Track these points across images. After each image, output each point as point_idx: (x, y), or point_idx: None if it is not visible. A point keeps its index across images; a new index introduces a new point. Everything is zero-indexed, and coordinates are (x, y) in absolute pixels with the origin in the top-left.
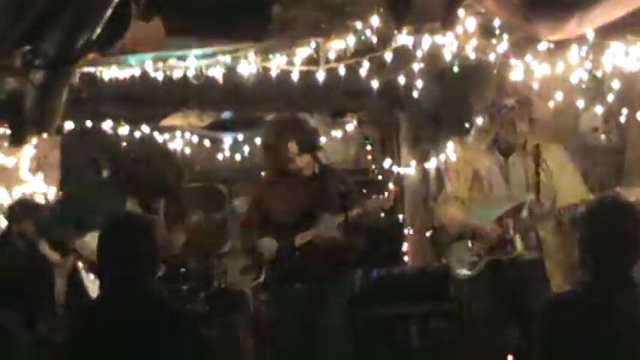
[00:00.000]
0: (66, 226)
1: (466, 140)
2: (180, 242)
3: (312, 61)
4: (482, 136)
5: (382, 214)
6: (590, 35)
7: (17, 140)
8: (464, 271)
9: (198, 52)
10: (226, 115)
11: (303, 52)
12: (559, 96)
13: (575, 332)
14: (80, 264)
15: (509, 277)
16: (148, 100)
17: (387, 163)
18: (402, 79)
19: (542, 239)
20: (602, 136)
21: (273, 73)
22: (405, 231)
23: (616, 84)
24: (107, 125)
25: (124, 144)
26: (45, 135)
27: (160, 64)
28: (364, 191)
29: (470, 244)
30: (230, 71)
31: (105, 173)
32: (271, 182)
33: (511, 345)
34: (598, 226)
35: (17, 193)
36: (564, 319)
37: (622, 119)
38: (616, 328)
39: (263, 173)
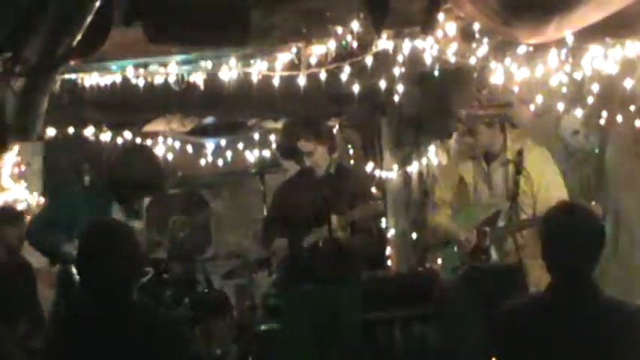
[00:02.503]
0: (54, 234)
1: (448, 144)
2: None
3: (293, 66)
4: (465, 143)
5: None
6: (570, 39)
7: None
8: (447, 276)
9: (180, 58)
10: (208, 120)
11: (284, 58)
12: (539, 99)
13: (527, 338)
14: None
15: (486, 283)
16: (130, 107)
17: (369, 167)
18: (383, 84)
19: (521, 246)
20: (583, 139)
21: (255, 78)
22: (388, 235)
23: (595, 87)
24: (89, 131)
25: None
26: (27, 142)
27: (141, 71)
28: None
29: (455, 250)
30: (211, 77)
31: (87, 179)
32: (289, 183)
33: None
34: (553, 232)
35: (0, 200)
36: (515, 326)
37: (602, 122)
38: (574, 333)
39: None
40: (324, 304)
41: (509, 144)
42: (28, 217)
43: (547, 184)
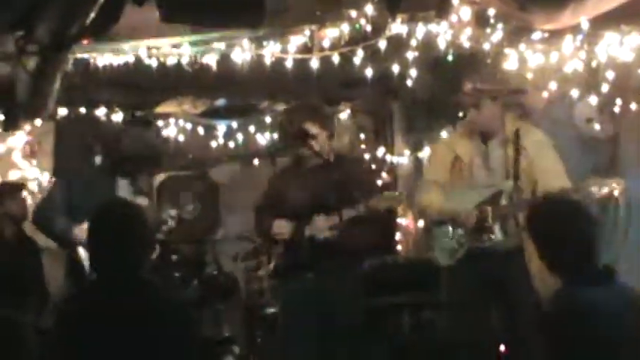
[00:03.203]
0: (61, 217)
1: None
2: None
3: (306, 49)
4: (463, 122)
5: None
6: (585, 25)
7: (11, 126)
8: (444, 259)
9: (193, 38)
10: (220, 102)
11: (297, 40)
12: (553, 86)
13: (570, 338)
14: (81, 252)
15: (488, 265)
16: (142, 87)
17: (381, 152)
18: (396, 68)
19: (522, 226)
20: (597, 127)
21: (267, 60)
22: (398, 220)
23: (610, 74)
24: (101, 112)
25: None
26: (38, 121)
27: (154, 51)
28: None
29: (450, 231)
30: (224, 58)
31: (98, 159)
32: (287, 169)
33: (499, 333)
34: (544, 231)
35: (10, 178)
36: (556, 329)
37: (616, 109)
38: (601, 324)
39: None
40: (324, 295)
41: (507, 124)
42: (39, 197)
43: (546, 170)
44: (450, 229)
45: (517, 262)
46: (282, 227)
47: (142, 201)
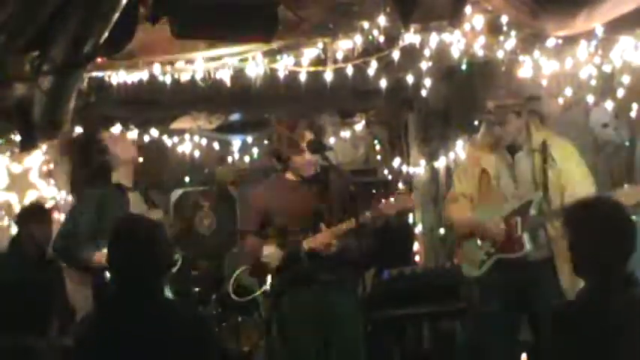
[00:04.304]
0: (87, 244)
1: (475, 139)
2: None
3: (320, 61)
4: (489, 134)
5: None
6: (599, 30)
7: (27, 146)
8: (473, 270)
9: (206, 54)
10: (235, 117)
11: (310, 53)
12: (568, 92)
13: (581, 341)
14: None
15: (517, 276)
16: (157, 104)
17: (397, 162)
18: (410, 78)
19: (551, 237)
20: (613, 132)
21: (281, 74)
22: (416, 231)
23: (626, 79)
24: (116, 129)
25: None
26: (55, 140)
27: (168, 68)
28: (373, 192)
29: (479, 243)
30: (238, 73)
31: (114, 177)
32: (271, 185)
33: (523, 344)
34: (582, 228)
35: (28, 198)
36: (570, 330)
37: (632, 114)
38: (618, 331)
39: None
40: (323, 308)
41: (533, 134)
42: (55, 214)
43: (574, 179)
44: (479, 240)
45: (546, 273)
46: (271, 255)
47: (156, 215)
